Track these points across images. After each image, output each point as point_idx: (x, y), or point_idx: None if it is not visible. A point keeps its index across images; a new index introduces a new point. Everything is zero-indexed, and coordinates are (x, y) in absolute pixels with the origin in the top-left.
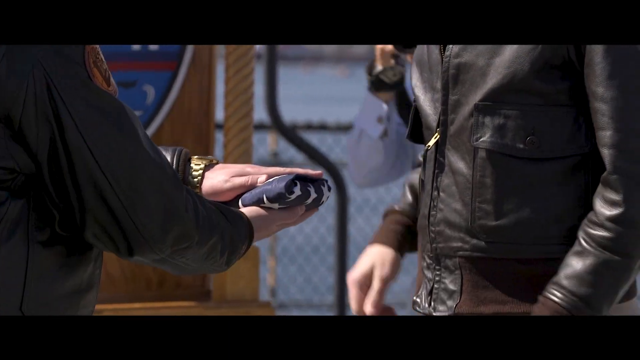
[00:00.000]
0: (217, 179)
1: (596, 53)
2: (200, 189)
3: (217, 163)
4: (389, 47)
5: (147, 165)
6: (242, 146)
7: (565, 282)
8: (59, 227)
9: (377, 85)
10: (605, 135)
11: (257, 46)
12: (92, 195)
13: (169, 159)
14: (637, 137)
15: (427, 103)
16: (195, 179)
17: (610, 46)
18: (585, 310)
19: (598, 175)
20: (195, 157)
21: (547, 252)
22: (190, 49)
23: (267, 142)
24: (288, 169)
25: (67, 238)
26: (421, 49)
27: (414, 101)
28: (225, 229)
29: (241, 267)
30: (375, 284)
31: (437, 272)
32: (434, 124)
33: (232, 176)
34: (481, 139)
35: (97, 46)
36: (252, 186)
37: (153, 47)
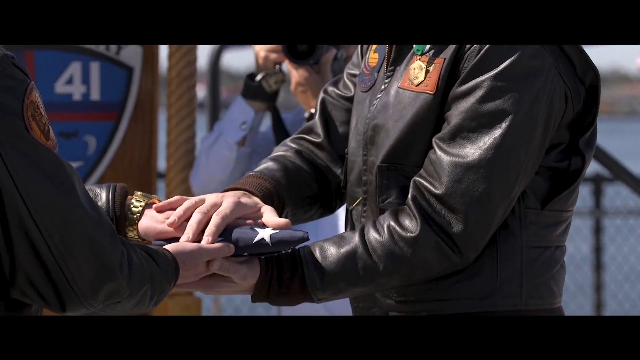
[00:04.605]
0: (155, 218)
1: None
2: (137, 225)
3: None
4: (274, 55)
5: (83, 221)
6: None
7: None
8: None
9: (254, 92)
10: None
11: (200, 95)
12: (23, 248)
13: (103, 197)
14: None
15: (356, 159)
16: (134, 215)
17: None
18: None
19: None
20: (139, 193)
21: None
22: (132, 99)
23: None
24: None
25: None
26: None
27: (346, 152)
28: (155, 274)
29: None
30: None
31: None
32: (358, 184)
33: (167, 217)
34: (387, 201)
35: (37, 100)
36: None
37: (94, 98)
